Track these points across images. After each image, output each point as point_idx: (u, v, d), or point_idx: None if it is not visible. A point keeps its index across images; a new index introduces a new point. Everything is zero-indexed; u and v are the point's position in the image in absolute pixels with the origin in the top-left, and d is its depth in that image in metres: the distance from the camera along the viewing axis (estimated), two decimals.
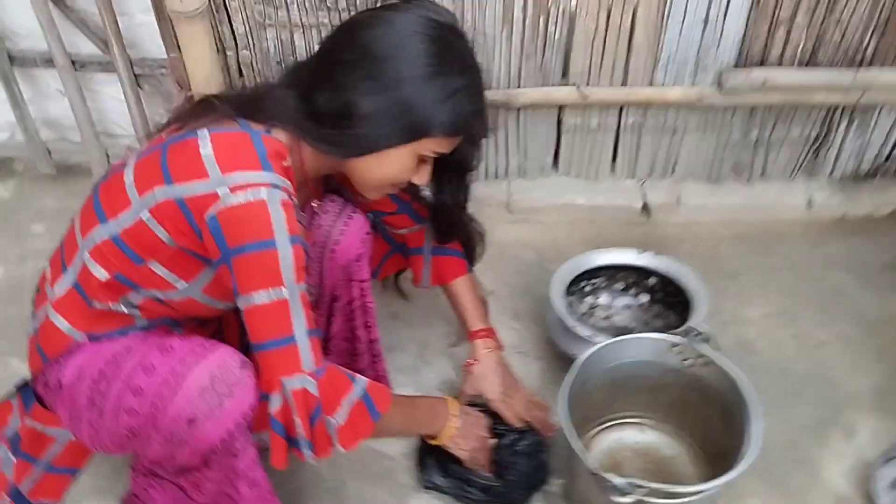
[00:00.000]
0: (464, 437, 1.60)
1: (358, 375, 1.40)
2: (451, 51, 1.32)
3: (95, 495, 1.73)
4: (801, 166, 2.22)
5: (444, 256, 1.78)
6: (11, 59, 2.22)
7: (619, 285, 2.01)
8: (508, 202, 2.26)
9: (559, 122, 2.15)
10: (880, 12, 1.88)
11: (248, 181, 1.24)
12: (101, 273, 1.35)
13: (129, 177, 1.33)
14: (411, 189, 1.66)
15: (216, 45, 1.96)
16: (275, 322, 1.28)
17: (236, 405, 1.29)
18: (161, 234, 1.29)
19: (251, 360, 1.33)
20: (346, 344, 1.74)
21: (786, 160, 2.20)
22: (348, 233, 1.58)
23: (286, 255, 1.25)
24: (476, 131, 1.42)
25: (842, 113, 2.09)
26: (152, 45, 2.12)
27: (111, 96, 2.31)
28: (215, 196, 1.23)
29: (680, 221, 2.27)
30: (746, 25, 1.91)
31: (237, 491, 1.39)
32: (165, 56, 2.01)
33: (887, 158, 2.19)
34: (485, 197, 2.26)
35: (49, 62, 2.20)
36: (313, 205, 1.55)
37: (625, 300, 2.01)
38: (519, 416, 1.71)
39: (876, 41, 1.93)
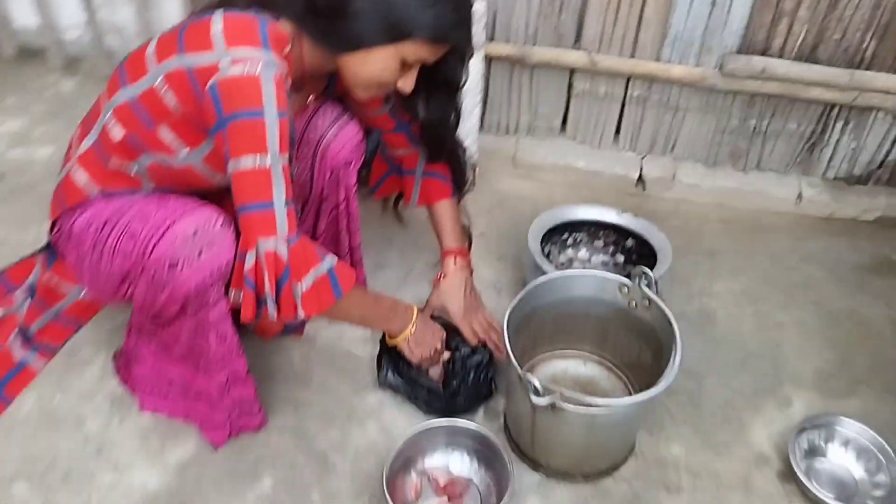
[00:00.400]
0: (417, 343, 1.73)
1: (329, 254, 1.52)
2: None
3: (92, 347, 1.91)
4: (795, 161, 2.30)
5: (433, 179, 1.91)
6: None
7: (599, 243, 2.13)
8: (514, 157, 2.39)
9: (570, 87, 2.27)
10: (881, 16, 1.96)
11: (247, 56, 1.38)
12: (118, 132, 1.52)
13: (151, 48, 1.50)
14: (409, 108, 1.75)
15: None
16: (256, 186, 1.40)
17: (214, 257, 1.45)
18: (170, 100, 1.46)
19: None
20: (331, 247, 1.88)
21: (781, 153, 2.28)
22: (341, 136, 1.72)
23: (273, 125, 1.38)
24: (459, 44, 1.53)
25: (838, 113, 2.16)
26: None
27: (170, 8, 2.50)
28: (217, 67, 1.38)
29: (673, 197, 2.37)
30: (751, 13, 2.00)
31: (207, 342, 1.56)
32: None
33: (880, 165, 2.26)
34: (493, 150, 2.40)
35: None
36: (309, 100, 1.70)
37: (602, 257, 2.13)
38: (475, 334, 1.84)
39: (875, 44, 2.01)
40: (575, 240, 2.14)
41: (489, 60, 2.23)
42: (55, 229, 1.65)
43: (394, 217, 2.14)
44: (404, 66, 1.50)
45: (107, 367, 1.86)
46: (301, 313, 1.48)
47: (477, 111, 2.20)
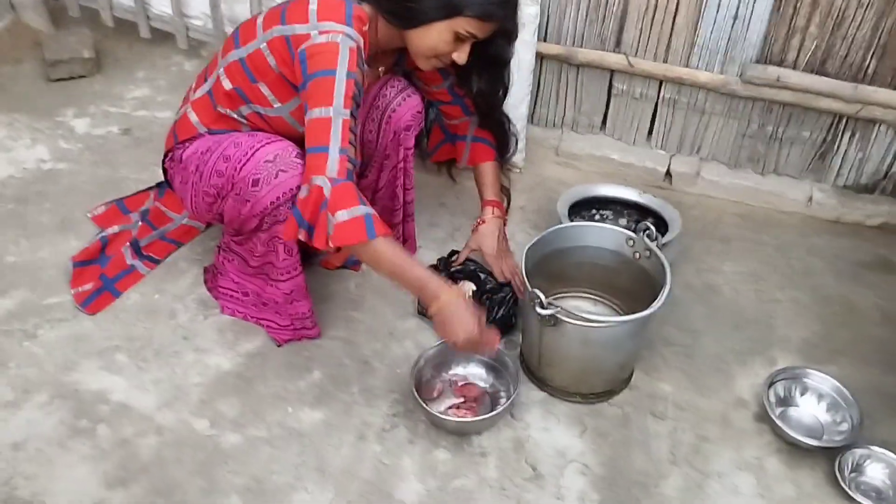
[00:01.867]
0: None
1: (370, 206, 1.66)
2: None
3: (188, 261, 2.23)
4: (808, 167, 2.48)
5: (480, 144, 2.18)
6: None
7: (623, 221, 2.36)
8: (558, 147, 2.65)
9: (610, 87, 2.53)
10: (881, 36, 2.15)
11: (332, 29, 1.68)
12: (227, 84, 1.85)
13: (260, 19, 1.83)
14: (464, 83, 2.04)
15: None
16: (318, 133, 1.65)
17: (287, 179, 1.74)
18: (271, 60, 1.77)
19: None
20: (388, 202, 2.17)
21: (796, 159, 2.47)
22: (405, 105, 2.01)
23: (340, 83, 1.64)
24: (505, 23, 1.79)
25: (846, 124, 2.34)
26: None
27: None
28: (308, 36, 1.69)
29: (696, 192, 2.58)
30: (768, 27, 2.23)
31: (276, 253, 1.86)
32: None
33: (885, 176, 2.42)
34: (540, 139, 2.67)
35: None
36: (380, 70, 1.99)
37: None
38: (503, 274, 2.10)
39: (876, 62, 2.20)
40: (602, 216, 2.37)
41: (541, 58, 2.50)
42: (167, 157, 2.00)
43: (448, 178, 2.43)
44: (458, 39, 1.77)
45: (198, 278, 2.18)
46: (331, 242, 1.62)
47: (526, 101, 2.47)
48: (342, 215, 1.61)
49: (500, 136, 2.16)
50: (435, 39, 1.77)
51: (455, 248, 2.23)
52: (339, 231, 1.61)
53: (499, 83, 2.01)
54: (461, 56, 1.82)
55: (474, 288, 2.05)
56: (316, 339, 2.04)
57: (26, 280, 2.15)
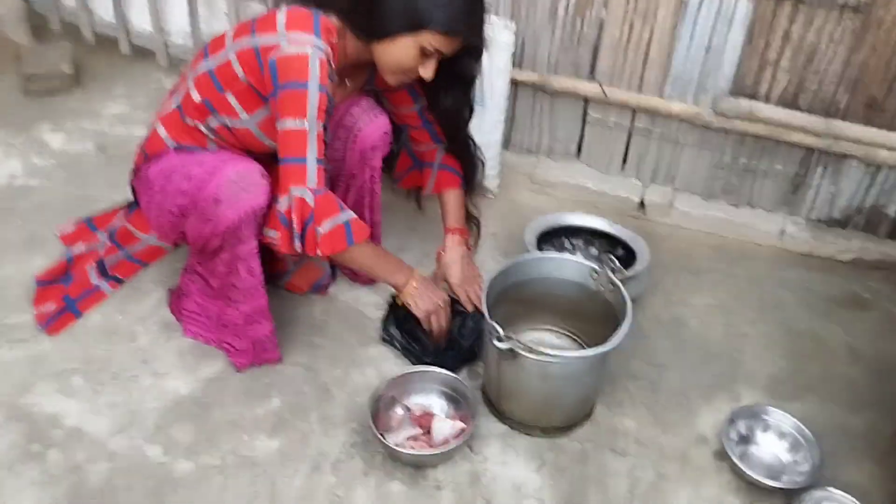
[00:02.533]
0: (420, 296, 1.93)
1: (348, 209, 1.79)
2: None
3: (153, 283, 2.21)
4: (782, 200, 2.46)
5: (446, 171, 2.16)
6: None
7: (593, 250, 2.34)
8: (532, 174, 2.64)
9: (584, 115, 2.52)
10: (851, 72, 2.14)
11: (301, 39, 1.69)
12: (196, 96, 1.84)
13: (230, 31, 1.83)
14: (432, 101, 2.01)
15: None
16: (294, 144, 1.70)
17: (250, 199, 1.73)
18: (238, 70, 1.77)
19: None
20: None
21: (769, 191, 2.46)
22: (372, 125, 2.00)
23: (313, 96, 1.68)
24: (471, 39, 1.78)
25: (818, 158, 2.33)
26: None
27: None
28: (277, 45, 1.69)
29: (669, 222, 2.57)
30: (740, 60, 2.22)
31: (238, 274, 1.84)
32: None
33: (857, 211, 2.41)
34: (515, 165, 2.66)
35: None
36: (347, 83, 1.96)
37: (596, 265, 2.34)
38: (469, 301, 2.08)
39: (848, 97, 2.19)
40: (573, 245, 2.36)
41: (515, 85, 2.49)
42: (135, 176, 1.98)
43: (415, 205, 2.39)
44: (424, 54, 1.76)
45: (162, 300, 2.16)
46: (319, 252, 1.75)
47: (500, 127, 2.46)
48: (326, 226, 1.73)
49: (465, 159, 2.15)
50: (400, 53, 1.76)
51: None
52: (325, 241, 1.74)
53: (465, 102, 1.99)
54: (427, 71, 1.81)
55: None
56: (277, 365, 2.01)
57: None
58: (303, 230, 1.74)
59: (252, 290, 1.87)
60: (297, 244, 1.76)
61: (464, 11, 1.72)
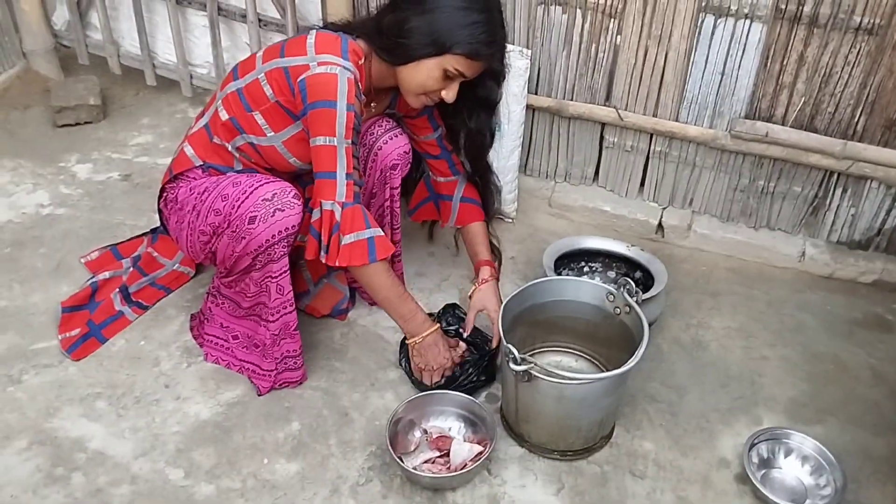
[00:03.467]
0: (420, 353, 1.96)
1: (377, 227, 1.84)
2: None
3: (176, 308, 2.25)
4: (801, 222, 2.45)
5: (469, 204, 2.18)
6: (220, 9, 2.90)
7: (612, 273, 2.35)
8: (551, 198, 2.65)
9: (601, 139, 2.54)
10: (868, 94, 2.14)
11: (330, 61, 1.75)
12: (224, 115, 1.90)
13: (259, 53, 1.89)
14: (454, 138, 2.08)
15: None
16: (325, 160, 1.77)
17: (284, 218, 1.78)
18: (267, 90, 1.82)
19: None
20: None
21: (788, 214, 2.45)
22: (391, 143, 2.03)
23: (342, 115, 1.74)
24: (492, 63, 1.83)
25: (837, 179, 2.33)
26: (316, 15, 2.74)
27: None
28: (307, 67, 1.76)
29: (687, 245, 2.57)
30: (755, 83, 2.23)
31: (269, 293, 1.87)
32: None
33: (878, 233, 2.39)
34: (533, 189, 2.68)
35: (243, 17, 2.86)
36: (372, 106, 2.01)
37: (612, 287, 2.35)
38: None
39: (865, 119, 2.18)
40: (591, 268, 2.36)
41: (532, 111, 2.52)
42: (162, 198, 2.02)
43: (427, 236, 2.46)
44: (447, 77, 1.80)
45: (184, 325, 2.19)
46: (338, 262, 1.80)
47: (517, 152, 2.48)
48: (349, 238, 1.78)
49: (484, 188, 2.17)
50: (424, 76, 1.80)
51: (449, 302, 2.20)
52: (345, 253, 1.79)
53: (487, 125, 2.02)
54: (449, 94, 1.84)
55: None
56: (297, 389, 2.03)
57: (16, 325, 2.17)
58: (328, 241, 1.80)
59: (281, 307, 1.91)
60: (323, 254, 1.81)
61: (486, 35, 1.77)
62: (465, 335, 2.08)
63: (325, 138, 1.75)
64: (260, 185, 1.80)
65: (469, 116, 1.99)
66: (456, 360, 2.00)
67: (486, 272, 2.14)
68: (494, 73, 1.89)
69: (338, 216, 1.77)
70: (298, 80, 1.76)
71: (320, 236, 1.80)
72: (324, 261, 1.82)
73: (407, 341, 1.99)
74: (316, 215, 1.79)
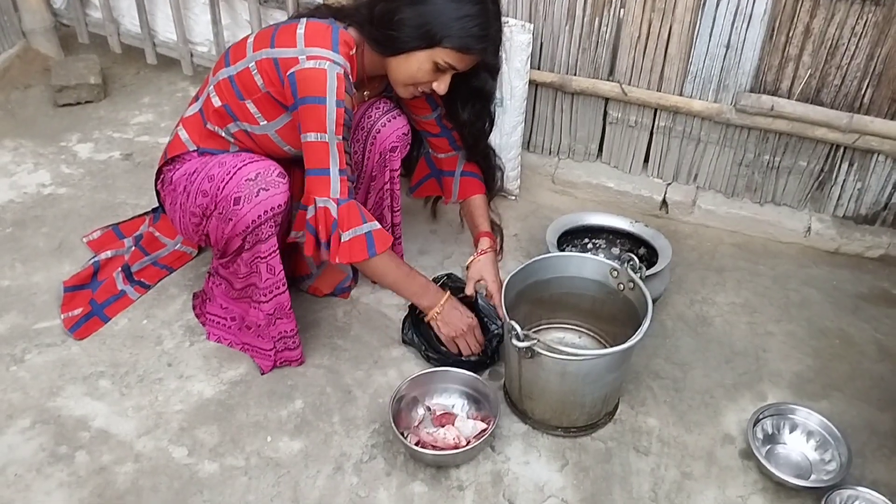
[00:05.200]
0: (445, 322, 1.94)
1: (373, 220, 1.82)
2: None
3: (178, 287, 2.24)
4: (807, 197, 2.42)
5: (469, 178, 2.16)
6: None
7: (616, 250, 2.33)
8: (554, 175, 2.62)
9: (605, 115, 2.50)
10: (875, 66, 2.11)
11: (319, 55, 1.72)
12: (216, 101, 1.87)
13: (250, 40, 1.86)
14: (452, 114, 2.03)
15: None
16: (317, 156, 1.75)
17: (269, 197, 1.76)
18: (258, 80, 1.80)
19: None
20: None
21: (794, 188, 2.42)
22: (389, 126, 2.01)
23: (332, 111, 1.71)
24: (485, 56, 1.79)
25: (843, 153, 2.30)
26: None
27: None
28: (297, 60, 1.73)
29: (692, 221, 2.54)
30: (761, 56, 2.19)
31: (259, 274, 1.85)
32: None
33: (885, 207, 2.36)
34: (536, 166, 2.65)
35: None
36: (365, 94, 1.99)
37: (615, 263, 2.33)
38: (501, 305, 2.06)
39: (871, 91, 2.14)
40: (595, 245, 2.34)
41: (535, 86, 2.48)
42: (159, 180, 2.01)
43: (430, 213, 2.43)
44: (438, 70, 1.77)
45: (187, 304, 2.18)
46: (339, 258, 1.78)
47: (520, 129, 2.45)
48: (348, 235, 1.77)
49: (487, 170, 2.15)
50: (414, 68, 1.77)
51: (452, 272, 2.18)
52: (345, 250, 1.78)
53: (483, 116, 1.99)
54: (441, 86, 1.82)
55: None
56: (300, 367, 2.02)
57: (19, 304, 2.17)
58: (328, 238, 1.78)
59: (273, 288, 1.89)
60: (324, 252, 1.80)
61: (478, 29, 1.73)
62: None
63: (317, 134, 1.72)
64: (244, 165, 1.78)
65: (463, 107, 1.96)
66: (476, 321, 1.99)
67: (485, 243, 2.12)
68: (488, 66, 1.85)
69: (334, 213, 1.75)
70: (288, 73, 1.73)
71: (317, 233, 1.78)
72: (325, 257, 1.81)
73: (426, 317, 1.96)
74: (311, 212, 1.77)
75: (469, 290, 2.06)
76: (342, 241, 1.78)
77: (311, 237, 1.80)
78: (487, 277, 2.06)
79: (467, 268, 2.11)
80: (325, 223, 1.77)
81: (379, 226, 1.83)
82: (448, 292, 1.98)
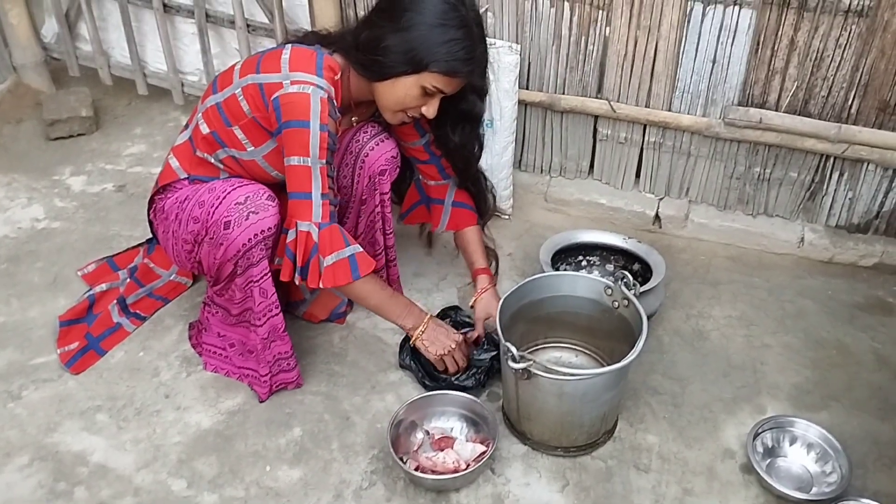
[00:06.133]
0: (430, 342, 1.94)
1: (356, 244, 1.83)
2: (458, 12, 1.72)
3: (174, 318, 2.24)
4: (799, 208, 2.43)
5: (461, 209, 2.17)
6: (208, 16, 2.88)
7: (610, 266, 2.33)
8: (546, 193, 2.64)
9: (595, 132, 2.52)
10: (860, 76, 2.12)
11: (303, 80, 1.74)
12: (205, 128, 1.89)
13: (237, 66, 1.88)
14: (440, 138, 2.03)
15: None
16: (300, 180, 1.76)
17: (258, 220, 1.76)
18: (244, 106, 1.81)
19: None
20: (369, 247, 2.15)
21: (785, 200, 2.43)
22: (378, 149, 2.02)
23: (315, 135, 1.72)
24: (472, 80, 1.81)
25: (833, 164, 2.31)
26: (305, 19, 2.71)
27: None
28: (281, 85, 1.74)
29: (685, 235, 2.55)
30: (747, 70, 2.21)
31: (253, 298, 1.85)
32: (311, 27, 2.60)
33: (877, 216, 2.37)
34: (528, 185, 2.67)
35: (232, 23, 2.84)
36: (353, 119, 2.01)
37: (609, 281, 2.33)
38: None
39: (858, 102, 2.16)
40: (589, 262, 2.35)
41: (525, 106, 2.50)
42: (151, 209, 2.02)
43: (425, 242, 2.42)
44: (426, 94, 1.79)
45: (183, 335, 2.18)
46: (321, 284, 1.79)
47: (511, 148, 2.47)
48: (330, 259, 1.78)
49: (477, 194, 2.16)
50: (402, 94, 1.79)
51: (448, 305, 2.20)
52: (328, 274, 1.79)
53: (472, 138, 2.00)
54: (430, 110, 1.83)
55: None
56: (297, 395, 2.02)
57: (15, 340, 2.17)
58: (305, 263, 1.79)
59: (267, 311, 1.89)
60: (297, 277, 1.80)
61: (464, 52, 1.74)
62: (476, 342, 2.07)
63: (299, 158, 1.74)
64: (233, 190, 1.79)
65: (453, 130, 1.97)
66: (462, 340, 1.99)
67: (483, 281, 2.13)
68: (476, 88, 1.87)
69: (315, 237, 1.76)
70: (272, 98, 1.74)
71: (295, 257, 1.78)
72: (298, 283, 1.82)
73: (411, 340, 1.97)
74: (291, 236, 1.78)
75: (479, 331, 2.07)
76: (324, 265, 1.78)
77: (288, 262, 1.80)
78: (494, 314, 2.07)
79: (471, 306, 2.14)
80: (304, 247, 1.77)
81: (361, 249, 1.85)
82: (430, 315, 1.98)
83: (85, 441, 1.90)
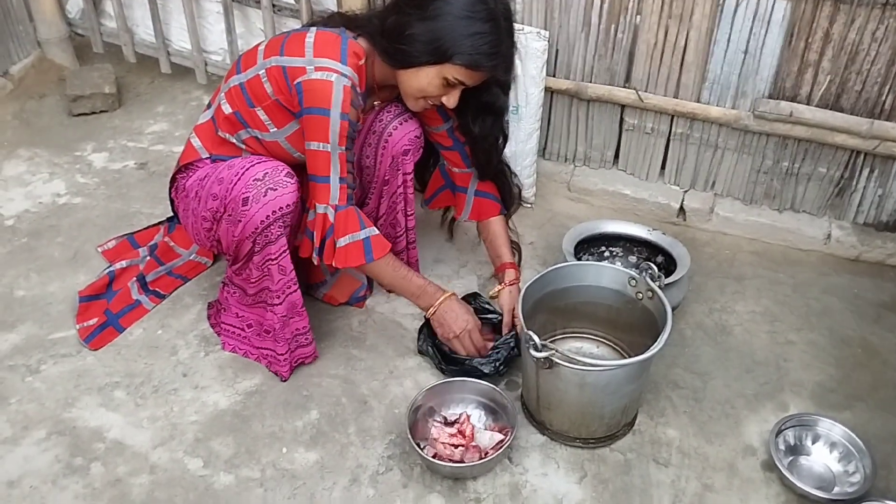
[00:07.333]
0: (439, 323, 1.96)
1: (372, 226, 1.84)
2: (486, 4, 1.69)
3: (193, 297, 2.23)
4: (827, 204, 2.39)
5: (484, 199, 2.14)
6: None
7: (633, 258, 2.30)
8: (570, 182, 2.61)
9: (621, 122, 2.49)
10: (893, 70, 2.08)
11: (327, 66, 1.72)
12: (227, 108, 1.87)
13: (261, 47, 1.86)
14: (463, 128, 1.99)
15: None
16: (319, 164, 1.77)
17: (277, 197, 1.75)
18: (268, 87, 1.80)
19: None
20: (390, 229, 2.14)
21: (813, 195, 2.39)
22: (401, 129, 2.00)
23: (335, 123, 1.73)
24: (496, 73, 1.78)
25: (864, 160, 2.27)
26: (331, 0, 2.69)
27: None
28: (304, 70, 1.73)
29: (710, 228, 2.51)
30: (780, 62, 2.17)
31: (271, 276, 1.84)
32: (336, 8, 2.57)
33: None
34: (552, 173, 2.64)
35: (257, 3, 2.82)
36: (375, 104, 1.99)
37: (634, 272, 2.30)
38: None
39: (892, 97, 2.11)
40: (612, 253, 2.32)
41: (551, 93, 2.47)
42: (173, 186, 2.01)
43: (447, 231, 2.39)
44: (448, 85, 1.77)
45: (202, 314, 2.17)
46: (335, 263, 1.82)
47: (535, 136, 2.44)
48: (344, 241, 1.82)
49: (501, 186, 2.13)
50: (424, 82, 1.78)
51: (470, 292, 2.17)
52: (341, 255, 1.83)
53: (495, 130, 1.98)
54: (450, 100, 1.82)
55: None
56: (315, 377, 2.01)
57: (34, 314, 2.17)
58: (321, 243, 1.84)
59: (285, 287, 1.88)
60: (315, 256, 1.85)
61: (489, 46, 1.72)
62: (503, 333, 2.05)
63: (319, 143, 1.76)
64: (252, 166, 1.78)
65: (474, 121, 1.94)
66: (478, 324, 1.99)
67: (510, 275, 2.12)
68: (500, 82, 1.85)
69: (332, 219, 1.81)
70: (295, 82, 1.74)
71: (314, 237, 1.83)
72: (316, 262, 1.87)
73: (427, 316, 1.99)
74: (311, 216, 1.84)
75: (507, 322, 2.06)
76: (338, 246, 1.82)
77: (307, 241, 1.87)
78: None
79: (494, 296, 2.13)
80: (321, 228, 1.82)
81: (378, 232, 1.87)
82: (451, 293, 1.98)
83: (102, 417, 1.90)
